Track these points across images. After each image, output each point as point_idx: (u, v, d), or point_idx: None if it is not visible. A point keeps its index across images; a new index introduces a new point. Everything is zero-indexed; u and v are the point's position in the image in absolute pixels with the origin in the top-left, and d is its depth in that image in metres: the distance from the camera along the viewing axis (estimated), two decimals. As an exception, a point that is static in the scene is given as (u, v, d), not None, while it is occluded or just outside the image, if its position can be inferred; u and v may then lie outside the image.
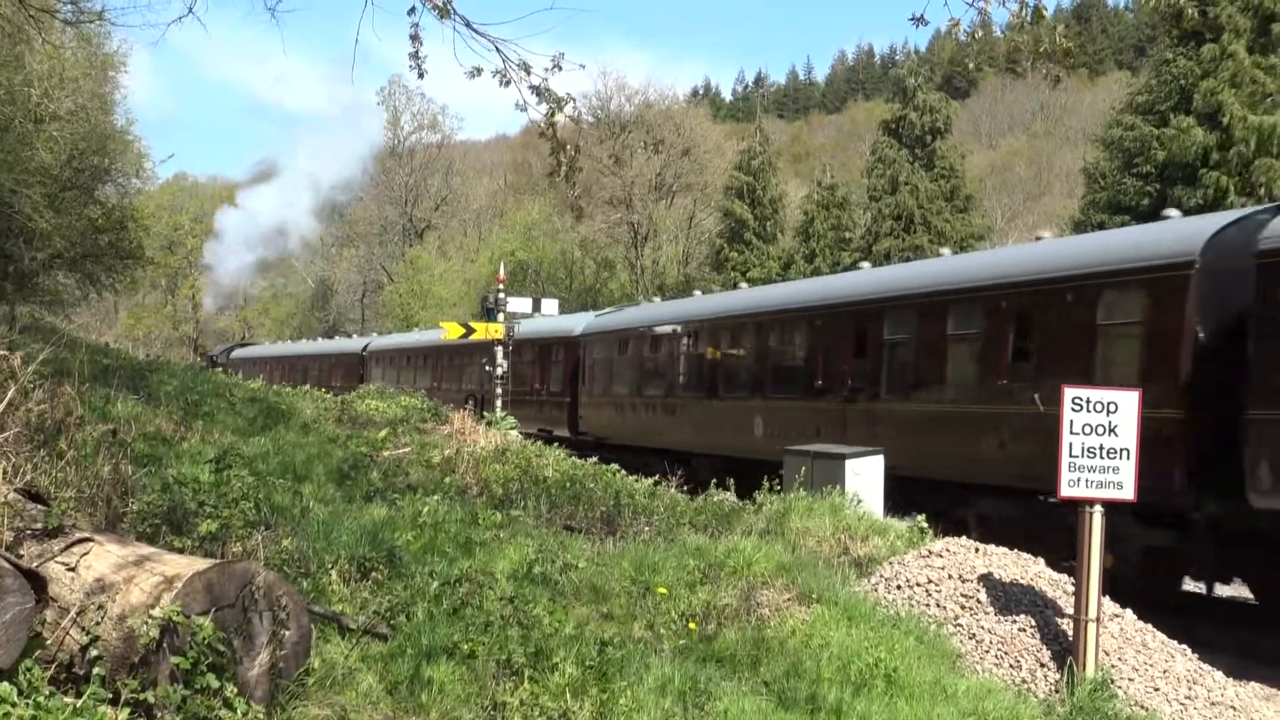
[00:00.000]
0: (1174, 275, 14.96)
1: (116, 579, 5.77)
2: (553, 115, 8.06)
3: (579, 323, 34.54)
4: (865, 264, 32.88)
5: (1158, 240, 16.18)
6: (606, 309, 35.15)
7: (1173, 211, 18.64)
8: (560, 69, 7.89)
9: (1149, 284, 15.43)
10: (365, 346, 54.74)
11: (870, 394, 20.82)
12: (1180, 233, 15.92)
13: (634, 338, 30.96)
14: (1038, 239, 22.25)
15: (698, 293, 37.66)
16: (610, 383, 31.97)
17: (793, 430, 22.01)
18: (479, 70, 7.90)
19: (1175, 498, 14.36)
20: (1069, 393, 9.81)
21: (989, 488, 16.87)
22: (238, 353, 70.75)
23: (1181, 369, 14.64)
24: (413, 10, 7.82)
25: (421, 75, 8.23)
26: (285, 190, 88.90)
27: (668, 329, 29.03)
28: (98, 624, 5.51)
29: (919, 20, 7.59)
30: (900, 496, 13.61)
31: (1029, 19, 7.52)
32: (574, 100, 8.24)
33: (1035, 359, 17.08)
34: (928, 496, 16.68)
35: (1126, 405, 9.78)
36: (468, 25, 7.97)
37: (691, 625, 8.85)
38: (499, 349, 29.11)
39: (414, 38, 7.98)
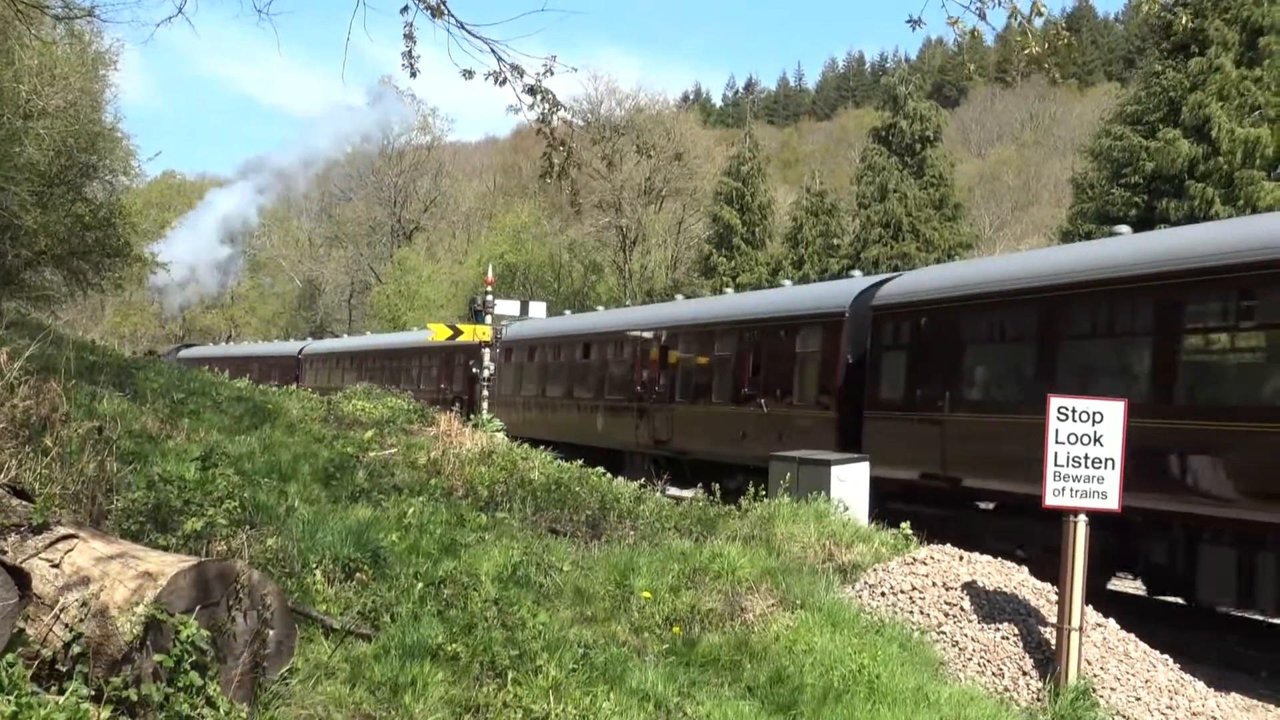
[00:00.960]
0: (834, 320, 21.92)
1: (100, 576, 5.76)
2: (550, 113, 8.07)
3: None
4: (679, 296, 40.65)
5: (831, 295, 23.31)
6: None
7: (856, 272, 29.24)
8: (552, 73, 7.90)
9: (822, 325, 22.38)
10: (301, 350, 60.24)
11: (669, 398, 27.37)
12: (841, 291, 23.01)
13: (516, 348, 36.95)
14: (773, 287, 31.43)
15: (568, 312, 45.74)
16: (500, 385, 36.62)
17: (620, 426, 29.24)
18: (470, 72, 7.91)
19: None
20: (1054, 402, 9.81)
21: (741, 465, 22.36)
22: (184, 353, 71.32)
23: (836, 384, 21.52)
24: (406, 9, 7.82)
25: (414, 75, 8.24)
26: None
27: (537, 343, 35.88)
28: (81, 621, 5.50)
29: (916, 22, 7.60)
30: (691, 472, 17.06)
31: (1027, 18, 7.53)
32: (566, 107, 8.25)
33: (763, 375, 23.91)
34: (709, 471, 21.39)
35: (1112, 415, 9.79)
36: (460, 26, 7.98)
37: (675, 629, 8.86)
38: (486, 351, 29.14)
39: (408, 37, 7.98)
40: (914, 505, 16.01)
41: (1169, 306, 14.96)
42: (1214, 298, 14.54)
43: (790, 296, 26.21)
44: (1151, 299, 15.28)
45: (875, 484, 17.62)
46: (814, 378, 22.36)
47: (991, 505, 17.91)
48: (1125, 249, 16.65)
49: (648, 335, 28.42)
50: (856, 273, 28.65)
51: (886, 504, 17.06)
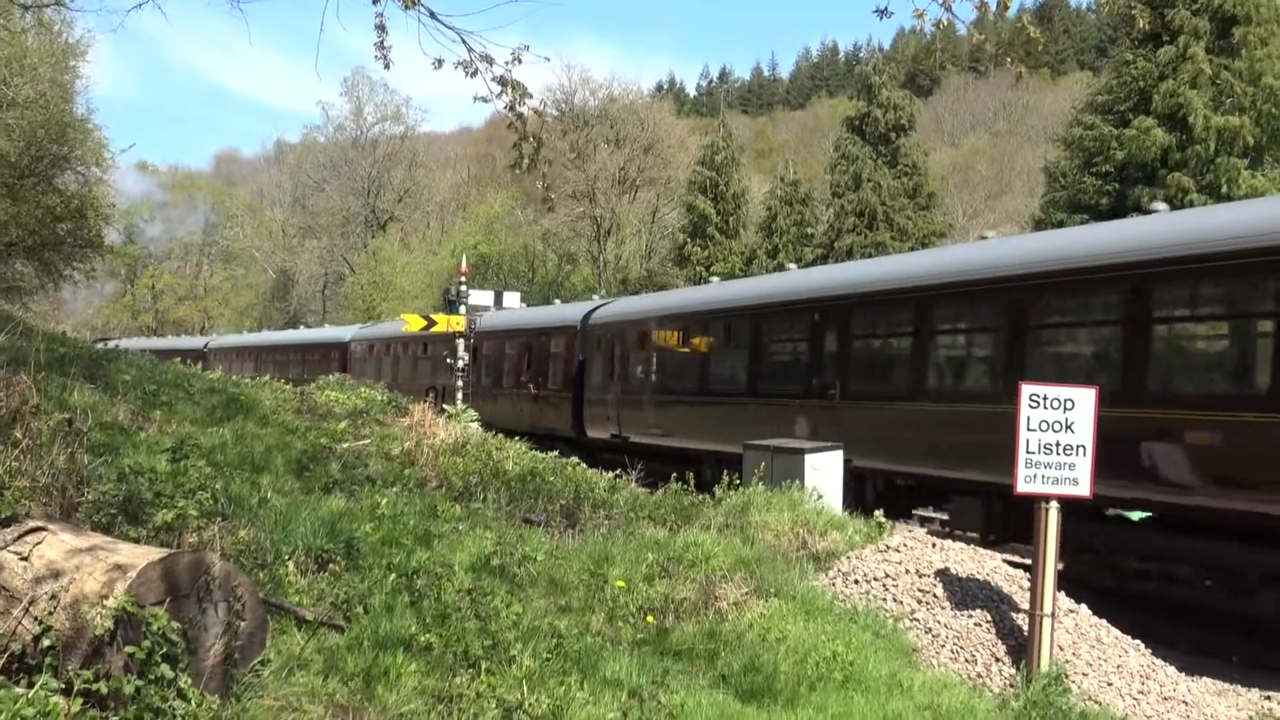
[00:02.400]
0: (571, 331, 32.23)
1: (70, 568, 5.73)
2: (517, 103, 8.03)
3: (347, 333, 52.47)
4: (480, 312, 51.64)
5: (571, 313, 33.57)
6: (367, 323, 54.16)
7: (596, 296, 42.48)
8: (520, 62, 7.86)
9: (564, 335, 32.65)
10: (205, 344, 67.73)
11: (478, 382, 35.67)
12: (576, 311, 33.30)
13: (377, 343, 47.73)
14: (546, 304, 43.76)
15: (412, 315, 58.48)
16: (364, 370, 45.69)
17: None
18: (440, 62, 7.87)
19: (571, 432, 30.99)
20: (1026, 389, 9.82)
21: (523, 431, 28.47)
22: (98, 346, 72.17)
23: (572, 375, 31.58)
24: (377, 0, 7.78)
25: (388, 66, 8.19)
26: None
27: (393, 340, 45.21)
28: (50, 613, 5.47)
29: (883, 13, 7.57)
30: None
31: (995, 11, 7.51)
32: (534, 97, 8.21)
33: (533, 367, 34.26)
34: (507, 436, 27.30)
35: (1084, 402, 9.81)
36: (433, 16, 7.93)
37: (649, 618, 8.87)
38: (461, 341, 29.22)
39: (379, 28, 7.93)
40: (610, 454, 24.39)
41: (704, 329, 25.47)
42: (748, 319, 24.03)
43: (550, 313, 36.59)
44: (697, 325, 25.92)
45: (591, 441, 29.92)
46: (560, 371, 32.73)
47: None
48: (678, 298, 30.55)
49: (467, 335, 34.90)
50: (595, 297, 42.12)
51: (598, 455, 26.29)
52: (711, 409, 24.59)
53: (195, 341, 70.22)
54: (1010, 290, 17.09)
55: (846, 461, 16.52)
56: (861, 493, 18.62)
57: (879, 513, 13.12)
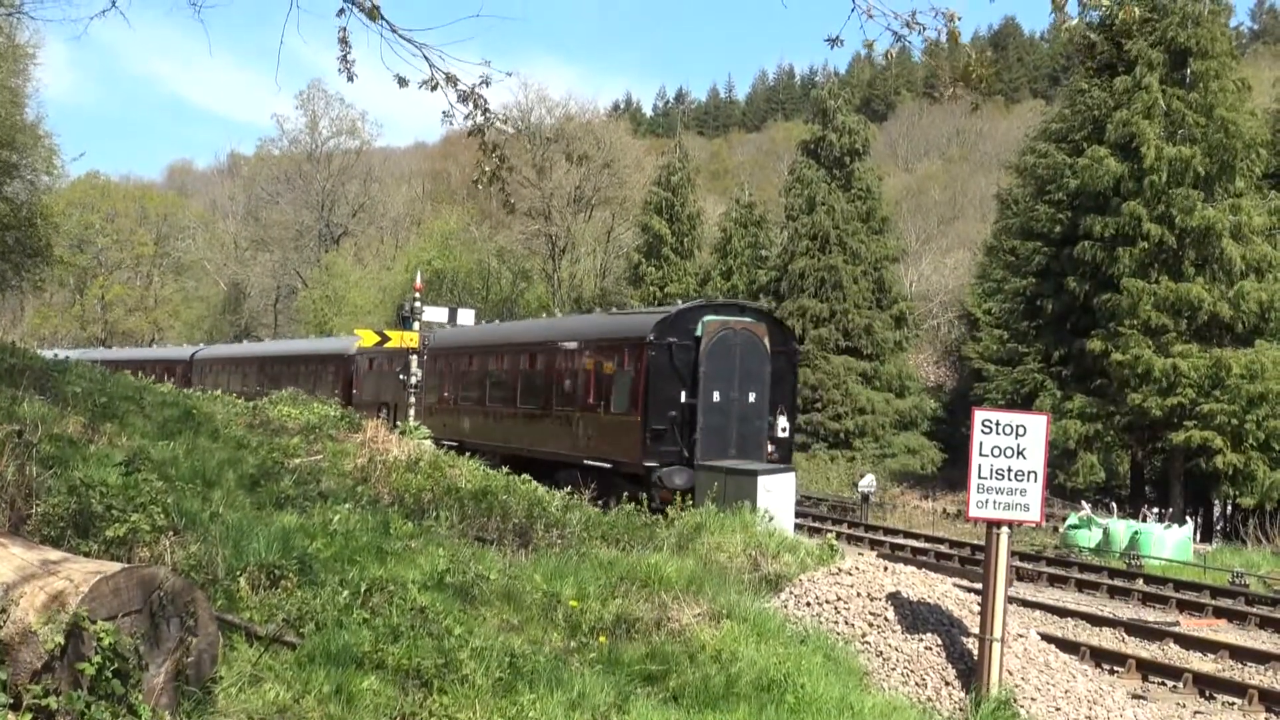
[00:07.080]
0: (346, 359, 41.31)
1: (20, 582, 5.67)
2: (485, 123, 8.03)
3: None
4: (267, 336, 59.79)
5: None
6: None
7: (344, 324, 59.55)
8: (488, 83, 7.87)
9: (336, 362, 42.10)
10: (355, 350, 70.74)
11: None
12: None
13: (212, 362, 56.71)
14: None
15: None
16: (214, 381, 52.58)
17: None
18: (405, 80, 7.88)
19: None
20: (979, 415, 9.91)
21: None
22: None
23: (349, 388, 39.12)
24: (342, 12, 7.76)
25: (351, 79, 8.17)
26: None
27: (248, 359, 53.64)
28: (0, 627, 5.41)
29: (834, 41, 7.61)
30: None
31: (944, 42, 7.57)
32: (499, 116, 8.22)
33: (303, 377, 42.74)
34: None
35: (1035, 429, 9.89)
36: (394, 31, 7.93)
37: (601, 638, 8.86)
38: (414, 358, 28.97)
39: (343, 40, 7.91)
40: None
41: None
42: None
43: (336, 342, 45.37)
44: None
45: None
46: (330, 383, 41.35)
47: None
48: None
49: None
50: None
51: None
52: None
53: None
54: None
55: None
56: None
57: (831, 536, 13.17)
